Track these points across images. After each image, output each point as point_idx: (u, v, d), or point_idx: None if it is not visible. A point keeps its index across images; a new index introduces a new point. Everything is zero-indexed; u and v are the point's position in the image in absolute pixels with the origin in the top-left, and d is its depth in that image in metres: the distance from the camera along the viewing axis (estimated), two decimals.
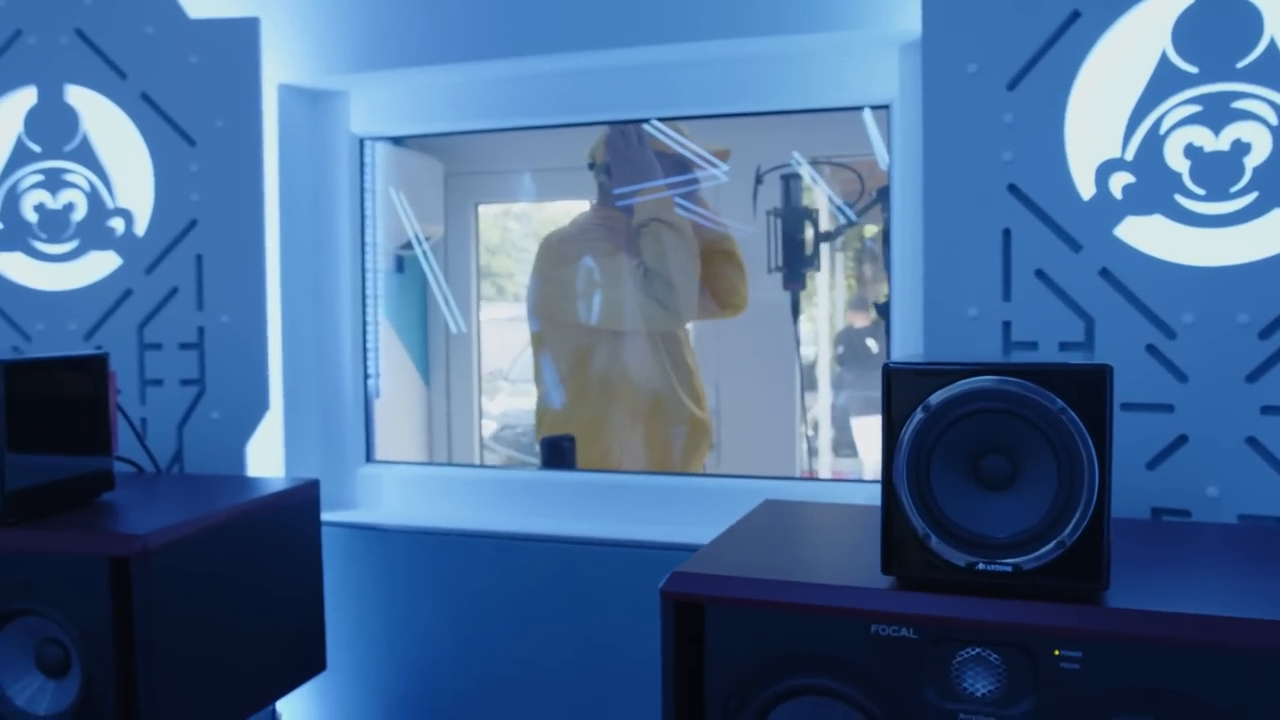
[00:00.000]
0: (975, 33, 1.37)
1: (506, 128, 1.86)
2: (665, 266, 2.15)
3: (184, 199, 1.72)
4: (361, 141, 1.91)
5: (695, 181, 2.24)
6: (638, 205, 2.19)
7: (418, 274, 3.32)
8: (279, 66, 1.79)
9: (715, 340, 3.01)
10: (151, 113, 1.72)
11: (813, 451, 3.30)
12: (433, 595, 1.73)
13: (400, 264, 3.25)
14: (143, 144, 1.72)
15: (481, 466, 1.88)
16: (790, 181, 2.24)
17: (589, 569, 1.66)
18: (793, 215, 2.23)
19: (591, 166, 2.28)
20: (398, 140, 2.98)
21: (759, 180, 2.24)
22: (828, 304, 3.20)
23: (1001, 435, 0.87)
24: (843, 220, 2.21)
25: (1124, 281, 1.31)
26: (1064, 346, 1.35)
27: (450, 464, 1.89)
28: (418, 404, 3.32)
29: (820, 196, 2.30)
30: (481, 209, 3.47)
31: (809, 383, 3.32)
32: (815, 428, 3.40)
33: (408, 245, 3.11)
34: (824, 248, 2.33)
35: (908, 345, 1.57)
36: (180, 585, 1.24)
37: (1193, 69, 1.27)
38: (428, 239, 3.09)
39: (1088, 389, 0.85)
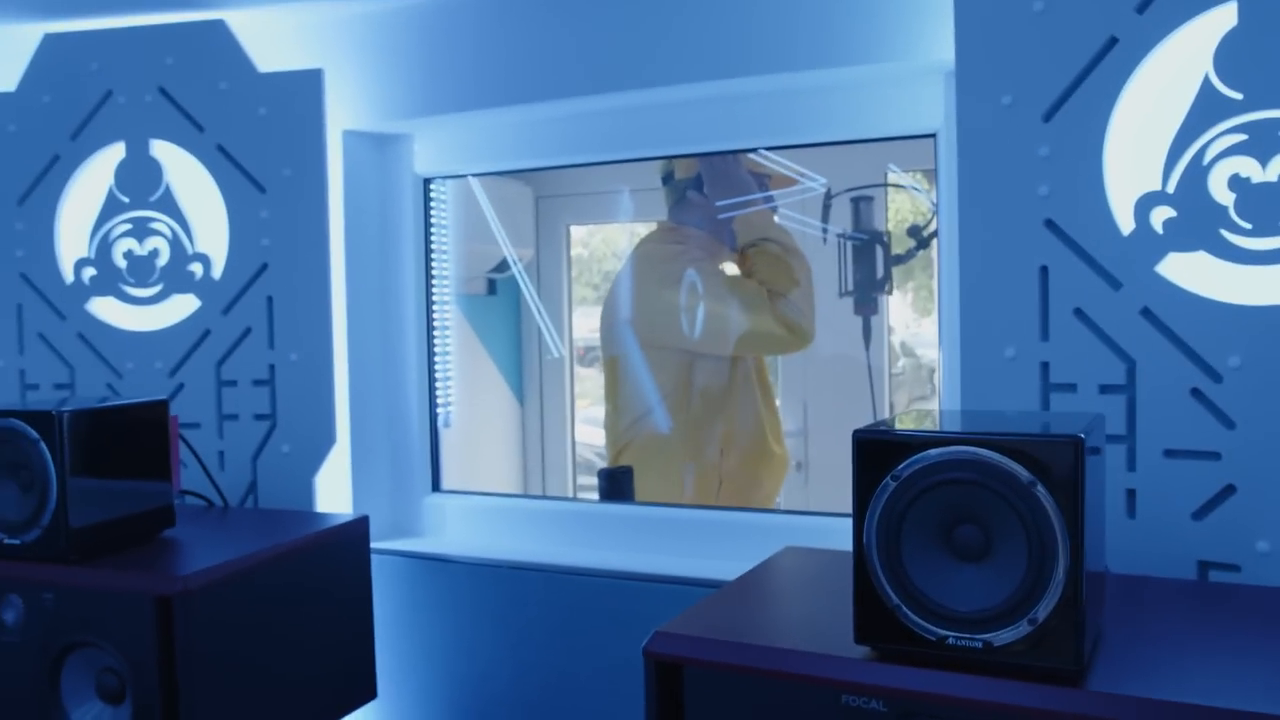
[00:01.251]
0: (1009, 63, 1.32)
1: (561, 165, 1.90)
2: (787, 287, 2.14)
3: (255, 244, 1.82)
4: (426, 181, 1.97)
5: (772, 199, 2.22)
6: (739, 224, 2.19)
7: (511, 296, 3.41)
8: (344, 113, 1.87)
9: (801, 364, 2.98)
10: (226, 163, 1.82)
11: None
12: (486, 624, 1.78)
13: (492, 287, 3.35)
14: (218, 193, 1.83)
15: (543, 497, 1.92)
16: (860, 203, 2.20)
17: (638, 604, 1.67)
18: (863, 239, 2.19)
19: (666, 180, 2.29)
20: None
21: (828, 203, 2.21)
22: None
23: (974, 506, 0.84)
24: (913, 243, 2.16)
25: (1166, 321, 1.24)
26: (1104, 389, 1.29)
27: (513, 495, 1.93)
28: (513, 426, 3.40)
29: (905, 208, 2.25)
30: (574, 229, 3.54)
31: (931, 393, 3.22)
32: None
33: (500, 267, 3.20)
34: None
35: (951, 385, 1.53)
36: (224, 620, 1.31)
37: (1237, 95, 1.19)
38: (519, 261, 3.17)
39: (1060, 461, 0.81)
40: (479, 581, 1.78)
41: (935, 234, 2.12)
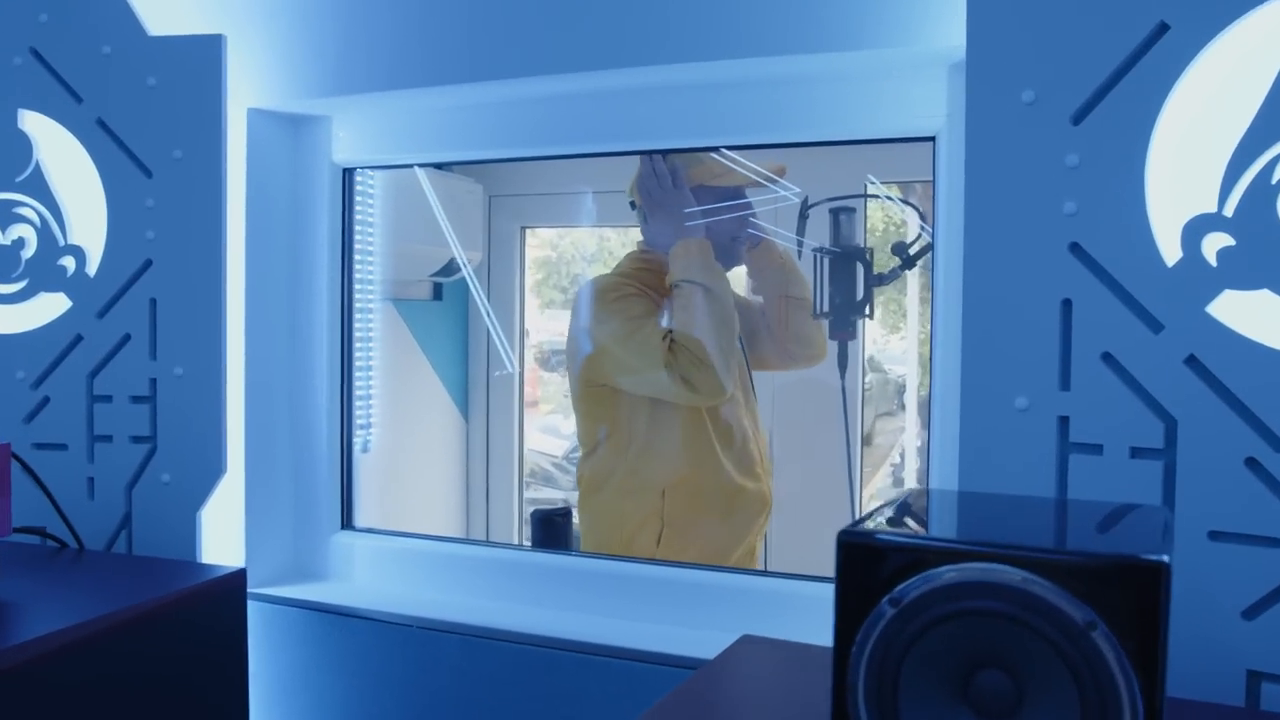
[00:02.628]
0: (1033, 51, 1.09)
1: (500, 158, 1.65)
2: (694, 336, 1.88)
3: (139, 236, 1.55)
4: (347, 171, 1.71)
5: (749, 207, 1.98)
6: (670, 259, 1.95)
7: (459, 302, 3.14)
8: (250, 89, 1.61)
9: (769, 389, 2.75)
10: (107, 140, 1.55)
11: (898, 483, 3.00)
12: (389, 692, 1.52)
13: (438, 291, 3.08)
14: (97, 175, 1.56)
15: (468, 541, 1.67)
16: (840, 215, 1.97)
17: (567, 678, 1.42)
18: (842, 254, 1.96)
19: (634, 206, 2.04)
20: (440, 165, 2.82)
21: (804, 213, 1.97)
22: (919, 330, 2.90)
23: (1003, 647, 0.60)
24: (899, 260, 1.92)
25: (1218, 373, 1.01)
26: (1137, 453, 1.06)
27: (431, 536, 1.67)
28: (455, 444, 3.13)
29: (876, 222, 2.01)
30: (529, 233, 3.28)
31: (899, 408, 3.01)
32: (902, 457, 3.10)
33: (445, 270, 2.94)
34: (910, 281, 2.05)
35: (946, 440, 1.29)
36: (44, 707, 1.05)
37: None
38: (468, 264, 2.91)
39: (1132, 596, 0.57)
40: (384, 640, 1.53)
41: (924, 252, 1.90)
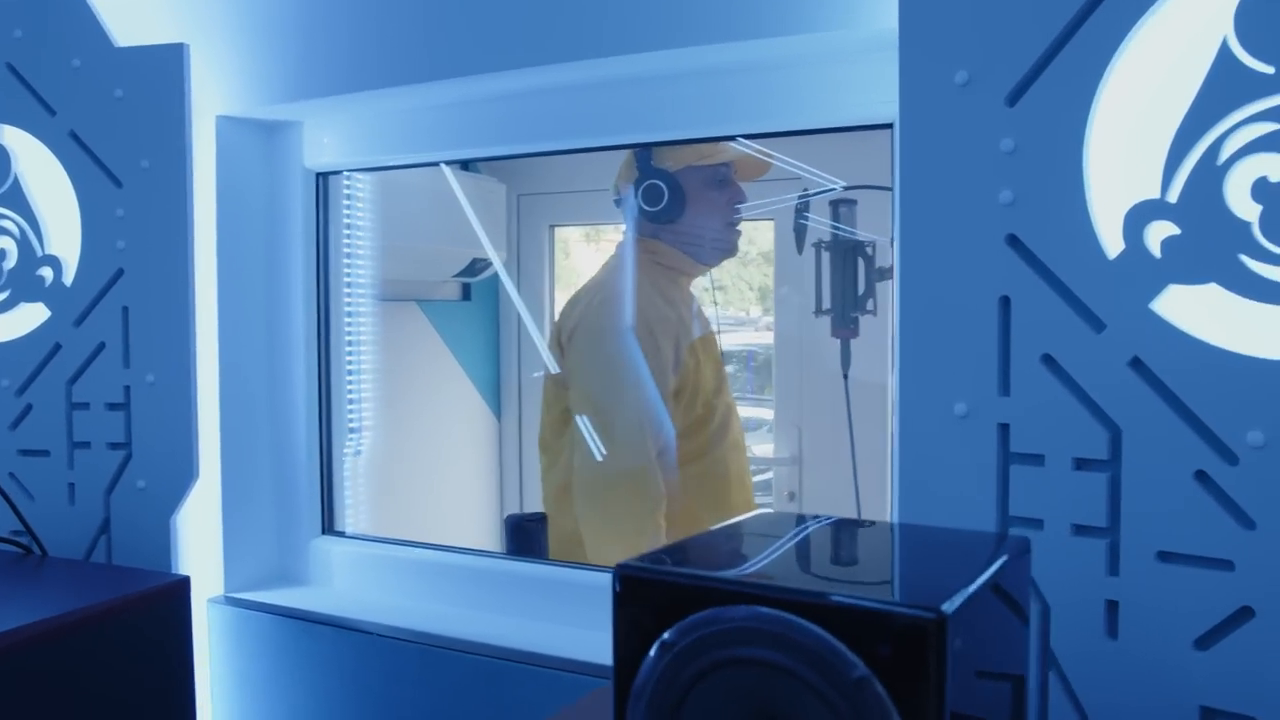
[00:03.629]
0: (966, 28, 1.00)
1: (468, 158, 1.62)
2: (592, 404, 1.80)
3: (110, 246, 1.56)
4: (320, 176, 1.70)
5: (740, 193, 1.89)
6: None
7: (489, 302, 3.13)
8: (219, 96, 1.61)
9: (796, 386, 2.66)
10: (80, 152, 1.57)
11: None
12: (352, 703, 1.50)
13: (467, 291, 3.08)
14: (70, 186, 1.58)
15: (443, 548, 1.64)
16: (840, 208, 1.88)
17: (528, 692, 1.38)
18: (842, 249, 1.87)
19: (618, 202, 1.99)
20: (465, 164, 2.81)
21: (802, 210, 1.89)
22: None
23: (780, 698, 0.54)
24: None
25: (1164, 377, 0.92)
26: (1081, 464, 0.96)
27: (407, 542, 1.65)
28: (488, 441, 3.12)
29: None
30: (559, 231, 3.25)
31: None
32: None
33: (469, 270, 2.93)
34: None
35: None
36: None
37: (1267, 69, 0.86)
38: (488, 266, 2.90)
39: (908, 649, 0.50)
40: (350, 649, 1.51)
41: None
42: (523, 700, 1.39)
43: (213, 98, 1.61)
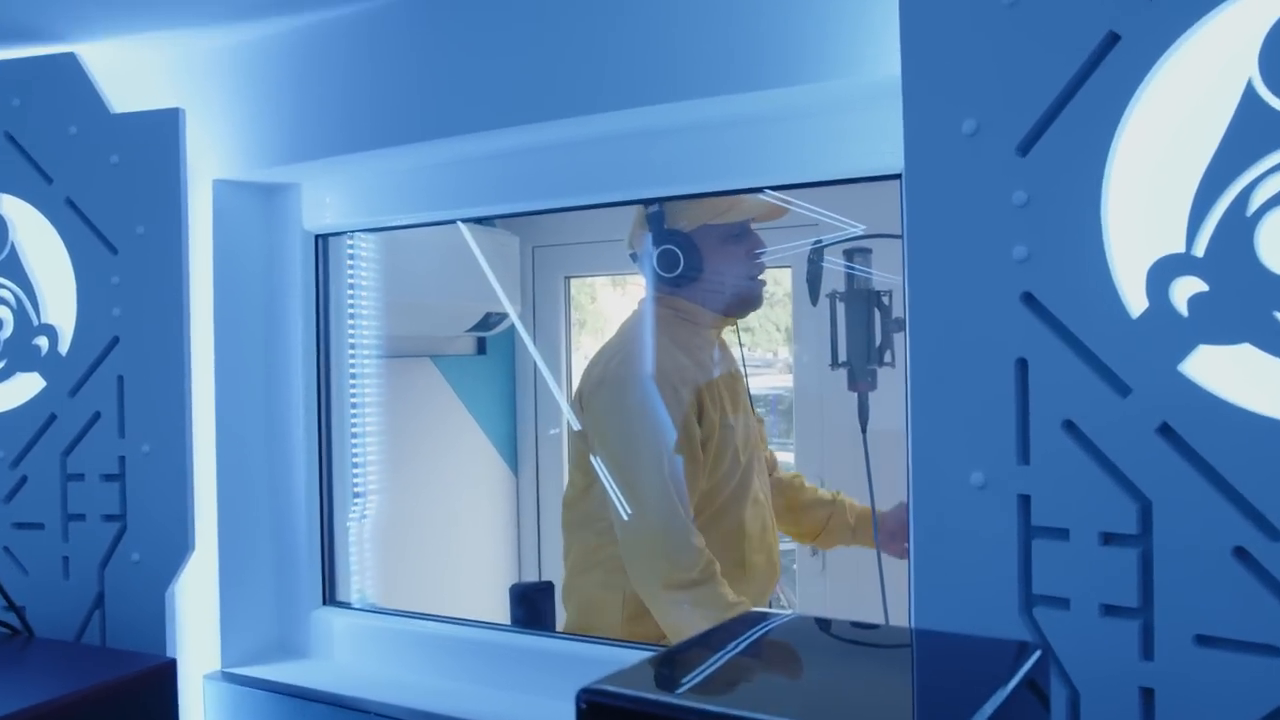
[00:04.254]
0: (971, 76, 0.95)
1: (467, 217, 1.58)
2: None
3: (106, 314, 1.53)
4: (319, 238, 1.67)
5: (760, 243, 1.84)
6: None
7: (505, 356, 3.09)
8: (215, 160, 1.59)
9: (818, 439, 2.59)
10: (75, 219, 1.55)
11: None
12: None
13: (482, 346, 3.04)
14: (66, 254, 1.55)
15: (449, 620, 1.57)
16: (855, 256, 1.82)
17: None
18: (858, 299, 1.81)
19: (634, 257, 1.94)
20: (482, 220, 2.78)
21: (815, 260, 1.83)
22: None
23: None
24: None
25: (1196, 445, 0.85)
26: (1108, 539, 0.89)
27: (410, 614, 1.60)
28: (505, 498, 3.06)
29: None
30: (600, 283, 3.21)
31: None
32: None
33: (482, 325, 2.89)
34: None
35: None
36: None
37: None
38: (503, 319, 2.86)
39: None
40: None
41: None
42: None
43: (209, 162, 1.59)
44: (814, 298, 1.88)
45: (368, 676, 1.55)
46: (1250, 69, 0.81)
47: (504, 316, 2.84)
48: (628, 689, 0.51)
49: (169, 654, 1.45)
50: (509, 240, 2.83)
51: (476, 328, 2.82)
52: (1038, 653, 0.61)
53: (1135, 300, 0.87)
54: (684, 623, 1.70)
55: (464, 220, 1.89)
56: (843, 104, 1.21)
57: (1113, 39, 0.88)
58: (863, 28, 1.11)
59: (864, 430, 1.83)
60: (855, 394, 1.84)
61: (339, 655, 1.62)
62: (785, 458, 2.63)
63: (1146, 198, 0.87)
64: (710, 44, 1.21)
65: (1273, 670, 0.81)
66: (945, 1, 0.96)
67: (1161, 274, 0.86)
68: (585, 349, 3.06)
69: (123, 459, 1.53)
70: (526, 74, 1.34)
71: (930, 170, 0.98)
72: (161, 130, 1.50)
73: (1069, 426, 0.91)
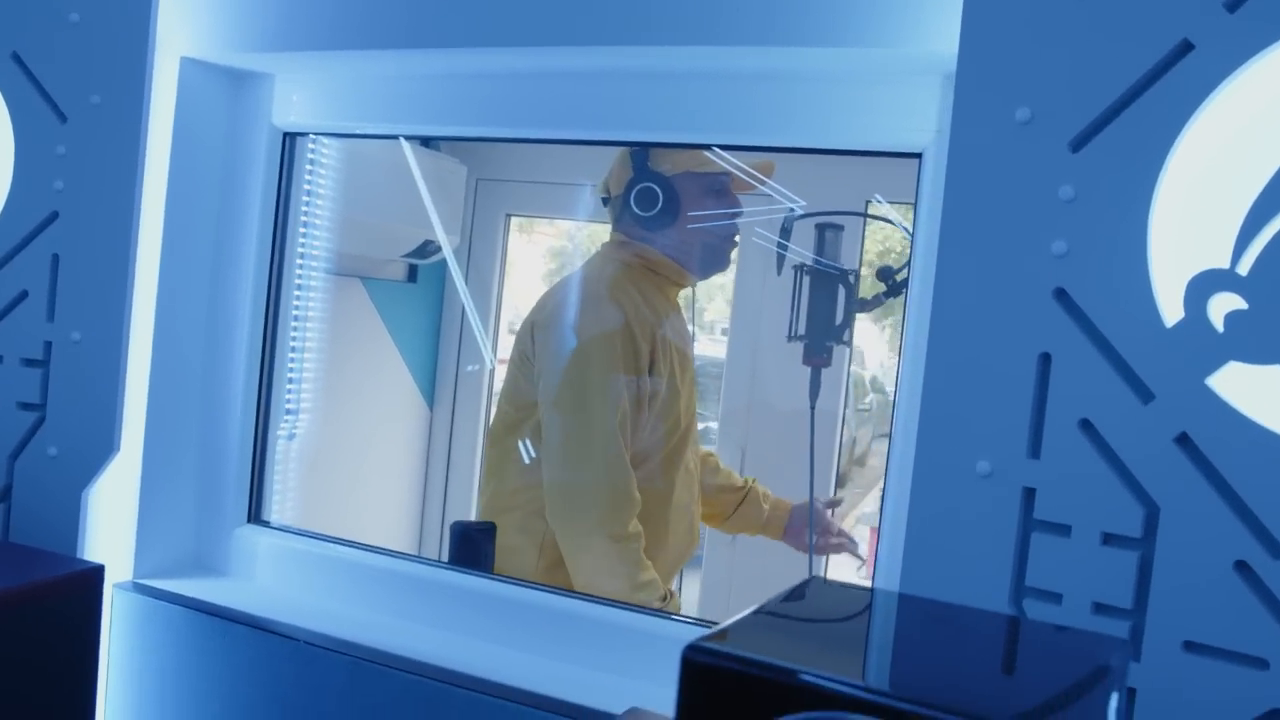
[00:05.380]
0: (1034, 62, 0.94)
1: (460, 136, 1.51)
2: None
3: (46, 186, 1.41)
4: (287, 136, 1.57)
5: (737, 205, 1.80)
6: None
7: (435, 286, 2.99)
8: (184, 37, 1.46)
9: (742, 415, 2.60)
10: (21, 76, 1.42)
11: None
12: (271, 711, 1.37)
13: (413, 273, 2.94)
14: (6, 114, 1.42)
15: (380, 551, 1.52)
16: (826, 232, 1.82)
17: (455, 718, 1.27)
18: (824, 274, 1.81)
19: (606, 201, 1.88)
20: (426, 140, 2.67)
21: (786, 230, 1.82)
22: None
23: None
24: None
25: (1212, 458, 0.86)
26: (1109, 539, 0.91)
27: (341, 541, 1.53)
28: (418, 432, 2.99)
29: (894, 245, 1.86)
30: (540, 224, 3.14)
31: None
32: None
33: (419, 252, 2.79)
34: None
35: (898, 499, 1.13)
36: None
37: None
38: (439, 249, 2.77)
39: None
40: (270, 653, 1.38)
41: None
42: None
43: (179, 37, 1.46)
44: (779, 267, 1.87)
45: (290, 601, 1.49)
46: None
47: (438, 249, 2.75)
48: (737, 652, 0.49)
49: (80, 558, 1.36)
50: (457, 169, 2.74)
51: (413, 254, 2.72)
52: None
53: (1171, 310, 0.88)
54: (602, 576, 1.68)
55: (436, 139, 1.81)
56: (878, 74, 1.19)
57: (1186, 47, 0.87)
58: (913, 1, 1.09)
59: (813, 406, 1.84)
60: (809, 368, 1.85)
61: (260, 576, 1.55)
62: (706, 427, 2.63)
63: (1196, 209, 0.88)
64: None
65: (1258, 681, 0.84)
66: None
67: (1202, 287, 0.87)
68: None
69: (49, 344, 1.43)
70: None
71: (977, 153, 0.97)
72: None
73: (1085, 425, 0.92)
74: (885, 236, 2.55)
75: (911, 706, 0.44)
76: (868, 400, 3.11)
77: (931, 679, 0.50)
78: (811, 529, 1.88)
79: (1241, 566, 0.85)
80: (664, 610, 1.63)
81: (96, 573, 1.18)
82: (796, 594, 0.62)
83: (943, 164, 1.11)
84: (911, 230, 1.21)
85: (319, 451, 2.32)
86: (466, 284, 2.94)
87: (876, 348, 3.10)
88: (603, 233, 3.04)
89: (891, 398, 2.69)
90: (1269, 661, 0.84)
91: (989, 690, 0.55)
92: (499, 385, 3.06)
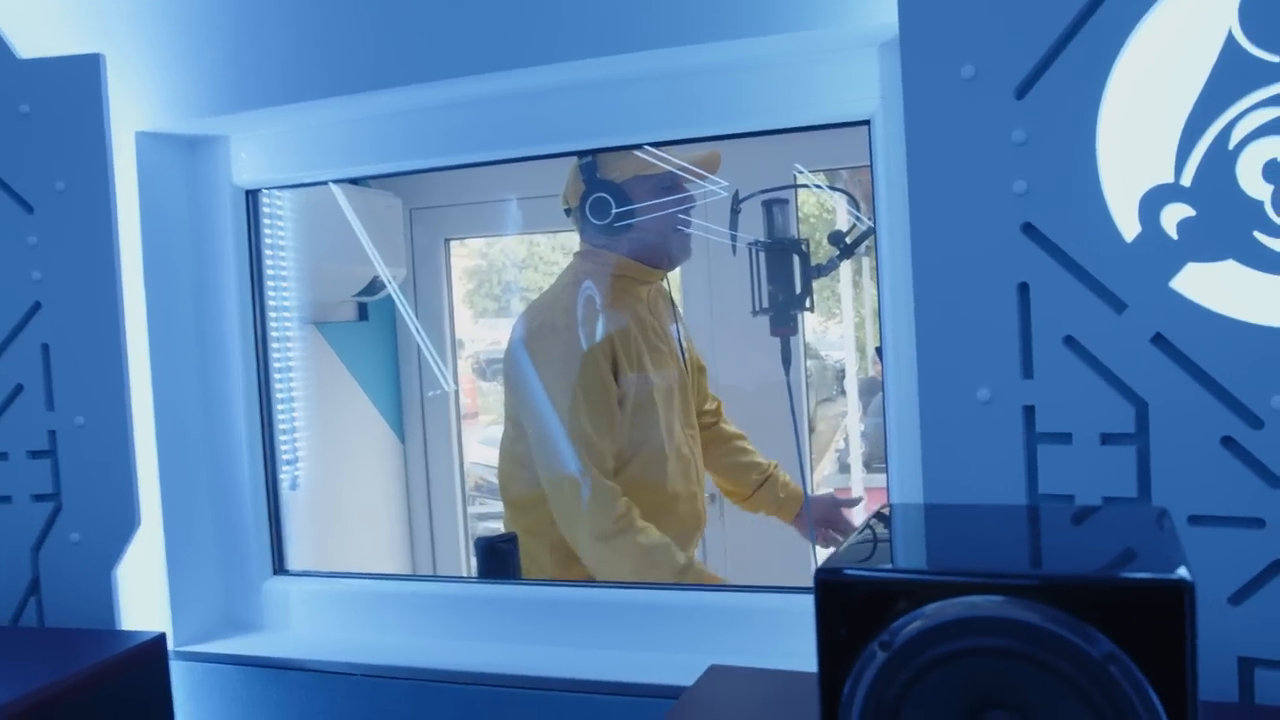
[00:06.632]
0: (969, 23, 1.03)
1: (413, 169, 1.56)
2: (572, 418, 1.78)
3: (23, 277, 1.43)
4: (249, 194, 1.60)
5: (690, 199, 1.88)
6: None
7: (386, 321, 3.02)
8: (136, 111, 1.49)
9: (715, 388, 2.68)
10: None
11: (844, 469, 2.97)
12: None
13: (363, 311, 2.96)
14: None
15: (409, 578, 1.57)
16: (774, 208, 1.91)
17: (526, 717, 1.33)
18: (778, 248, 1.89)
19: (568, 212, 1.94)
20: (356, 180, 2.69)
21: (736, 207, 1.90)
22: (853, 315, 2.87)
23: (1009, 684, 0.54)
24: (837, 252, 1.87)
25: (1187, 351, 0.97)
26: (1107, 439, 1.01)
27: (370, 575, 1.57)
28: (393, 465, 3.01)
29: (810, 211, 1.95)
30: (454, 244, 3.17)
31: (839, 393, 2.99)
32: (846, 441, 3.07)
33: (370, 289, 2.82)
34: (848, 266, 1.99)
35: (904, 439, 1.22)
36: None
37: (1272, 57, 0.92)
38: (393, 280, 2.79)
39: (1153, 623, 0.51)
40: (327, 692, 1.42)
41: (860, 240, 1.85)
42: None
43: (129, 113, 1.49)
44: (734, 247, 1.95)
45: (331, 641, 1.53)
46: (1231, 19, 0.93)
47: (392, 280, 2.78)
48: (866, 566, 0.56)
49: (136, 630, 1.38)
50: (392, 202, 2.77)
51: (363, 292, 2.75)
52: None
53: (1128, 226, 0.98)
54: (610, 570, 1.76)
55: (378, 176, 1.85)
56: (817, 53, 1.27)
57: None
58: None
59: (787, 373, 1.93)
60: (778, 339, 1.93)
61: (296, 624, 1.58)
62: None
63: (1137, 134, 0.98)
64: None
65: (1257, 539, 0.94)
66: None
67: (1153, 202, 0.97)
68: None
69: (53, 433, 1.44)
70: (475, 21, 1.34)
71: (930, 113, 1.06)
72: (81, 77, 1.40)
73: (1069, 341, 1.01)
74: (801, 202, 2.66)
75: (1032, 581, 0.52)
76: (808, 367, 3.22)
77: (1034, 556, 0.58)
78: (809, 521, 1.98)
79: (1227, 441, 0.95)
80: (684, 578, 1.71)
81: (159, 642, 1.21)
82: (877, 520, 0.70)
83: (892, 128, 1.21)
84: (872, 190, 1.30)
85: (320, 496, 2.34)
86: (417, 313, 2.98)
87: (804, 317, 3.22)
88: (516, 245, 3.12)
89: (826, 362, 2.78)
90: (1264, 520, 0.94)
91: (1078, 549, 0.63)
92: (467, 404, 3.11)
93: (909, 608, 0.54)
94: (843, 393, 3.11)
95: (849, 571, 0.56)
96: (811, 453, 3.05)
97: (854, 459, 3.02)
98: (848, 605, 0.56)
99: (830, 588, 0.56)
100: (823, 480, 3.05)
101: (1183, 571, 0.51)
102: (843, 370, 3.08)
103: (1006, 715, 0.54)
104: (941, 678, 0.54)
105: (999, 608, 0.52)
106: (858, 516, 2.13)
